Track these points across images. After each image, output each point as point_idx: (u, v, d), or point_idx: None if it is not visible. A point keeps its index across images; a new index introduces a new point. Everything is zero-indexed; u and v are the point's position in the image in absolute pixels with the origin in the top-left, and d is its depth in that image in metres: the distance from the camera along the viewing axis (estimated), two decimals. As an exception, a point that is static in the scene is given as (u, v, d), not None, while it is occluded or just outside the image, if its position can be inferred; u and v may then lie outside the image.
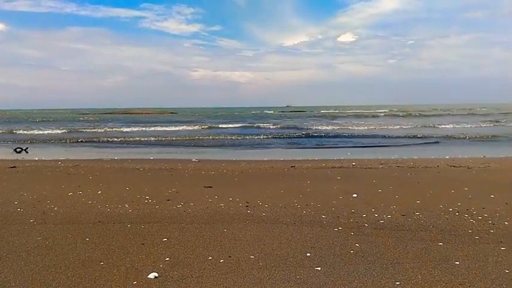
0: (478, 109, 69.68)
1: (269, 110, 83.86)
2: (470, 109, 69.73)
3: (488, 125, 32.00)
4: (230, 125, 35.62)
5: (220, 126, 35.16)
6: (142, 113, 68.56)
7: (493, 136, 21.30)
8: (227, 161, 11.69)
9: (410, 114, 53.71)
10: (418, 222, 4.68)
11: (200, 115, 67.51)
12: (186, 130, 30.55)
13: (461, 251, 3.70)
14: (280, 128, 32.21)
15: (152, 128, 31.12)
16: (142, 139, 21.60)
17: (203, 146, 18.43)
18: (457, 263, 3.40)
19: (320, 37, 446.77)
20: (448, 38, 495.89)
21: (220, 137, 22.84)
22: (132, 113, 68.87)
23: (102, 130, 29.77)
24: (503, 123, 32.70)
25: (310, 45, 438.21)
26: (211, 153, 15.47)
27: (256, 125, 35.47)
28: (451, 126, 30.40)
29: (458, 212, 5.14)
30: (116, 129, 30.92)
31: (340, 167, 9.80)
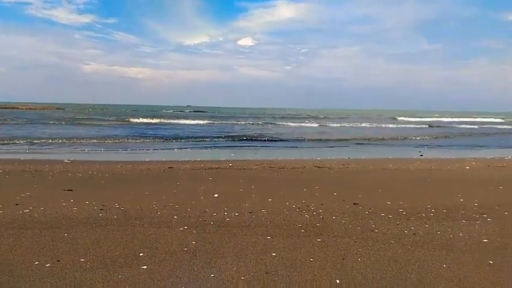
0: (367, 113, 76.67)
1: (168, 110, 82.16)
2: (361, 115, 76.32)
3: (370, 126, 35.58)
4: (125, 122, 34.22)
5: (113, 123, 33.56)
6: (23, 108, 62.13)
7: (380, 139, 23.77)
8: (103, 162, 11.30)
9: (306, 117, 57.14)
10: (260, 219, 5.15)
11: (92, 112, 63.50)
12: (73, 127, 28.54)
13: (283, 243, 4.19)
14: (176, 128, 31.87)
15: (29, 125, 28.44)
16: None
17: (84, 145, 17.46)
18: (274, 254, 3.86)
19: (221, 39, 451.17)
20: (338, 48, 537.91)
21: (110, 138, 21.83)
22: (12, 108, 62.02)
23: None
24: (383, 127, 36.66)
25: (211, 46, 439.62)
26: (92, 153, 14.77)
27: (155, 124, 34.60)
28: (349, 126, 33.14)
29: (299, 209, 5.75)
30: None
31: (217, 168, 10.14)
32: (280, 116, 63.97)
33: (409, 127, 38.87)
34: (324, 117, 55.90)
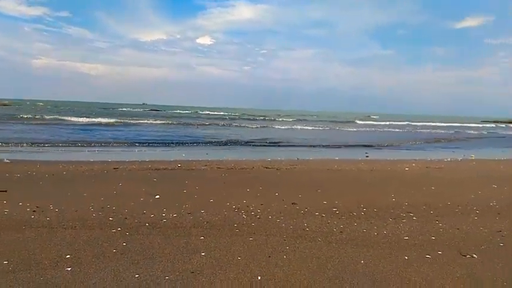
0: (315, 116, 78.38)
1: (123, 108, 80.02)
2: (311, 116, 77.93)
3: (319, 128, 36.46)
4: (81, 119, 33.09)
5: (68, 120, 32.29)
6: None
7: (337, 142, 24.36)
8: (45, 162, 10.90)
9: (261, 118, 57.59)
10: (197, 220, 5.22)
11: (44, 107, 60.72)
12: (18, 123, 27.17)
13: (215, 243, 4.30)
14: (129, 126, 31.17)
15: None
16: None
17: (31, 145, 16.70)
18: (203, 254, 3.95)
19: (179, 36, 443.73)
20: (295, 51, 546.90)
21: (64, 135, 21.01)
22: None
23: None
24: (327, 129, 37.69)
25: (168, 44, 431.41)
26: (35, 153, 14.18)
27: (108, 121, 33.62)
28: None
29: (238, 209, 5.88)
30: None
31: (164, 169, 10.07)
32: (238, 115, 64.12)
33: (362, 130, 40.24)
34: (282, 120, 56.59)
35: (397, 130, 40.98)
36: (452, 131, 42.10)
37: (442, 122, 63.56)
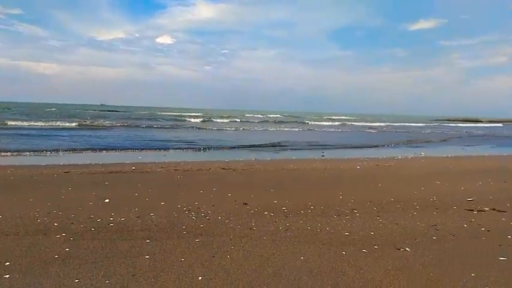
0: (279, 115, 79.17)
1: (79, 109, 77.43)
2: (271, 116, 78.53)
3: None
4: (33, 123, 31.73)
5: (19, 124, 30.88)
6: None
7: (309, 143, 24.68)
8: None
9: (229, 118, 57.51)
10: (146, 223, 5.23)
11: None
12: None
13: (160, 246, 4.34)
14: (83, 128, 30.27)
15: None
16: None
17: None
18: (147, 257, 3.99)
19: (138, 35, 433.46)
20: (257, 50, 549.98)
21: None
22: None
23: None
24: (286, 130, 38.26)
25: (127, 43, 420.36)
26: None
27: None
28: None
29: (188, 211, 5.93)
30: None
31: (118, 172, 9.93)
32: (199, 116, 63.60)
33: (320, 131, 41.12)
34: (246, 121, 56.77)
35: (353, 130, 42.19)
36: (404, 130, 43.90)
37: (395, 122, 65.96)
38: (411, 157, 15.54)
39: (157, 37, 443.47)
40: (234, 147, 19.50)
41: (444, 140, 29.28)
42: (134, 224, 5.15)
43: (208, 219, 5.51)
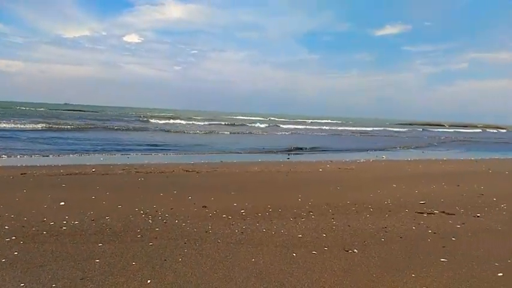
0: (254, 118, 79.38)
1: (41, 107, 74.90)
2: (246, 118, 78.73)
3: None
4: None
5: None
6: None
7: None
8: None
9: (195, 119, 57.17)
10: (100, 227, 5.19)
11: None
12: None
13: (113, 249, 4.33)
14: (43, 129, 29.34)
15: None
16: None
17: None
18: (97, 260, 3.98)
19: (104, 33, 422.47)
20: (227, 52, 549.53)
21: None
22: None
23: None
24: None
25: (93, 41, 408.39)
26: None
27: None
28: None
29: (145, 214, 5.91)
30: None
31: (77, 174, 9.74)
32: (166, 117, 62.88)
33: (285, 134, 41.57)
34: (217, 124, 56.65)
35: (324, 134, 42.92)
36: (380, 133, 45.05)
37: (365, 127, 67.47)
38: (372, 160, 16.01)
39: (124, 36, 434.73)
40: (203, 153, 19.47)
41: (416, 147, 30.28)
42: (88, 228, 5.10)
43: (165, 222, 5.52)
